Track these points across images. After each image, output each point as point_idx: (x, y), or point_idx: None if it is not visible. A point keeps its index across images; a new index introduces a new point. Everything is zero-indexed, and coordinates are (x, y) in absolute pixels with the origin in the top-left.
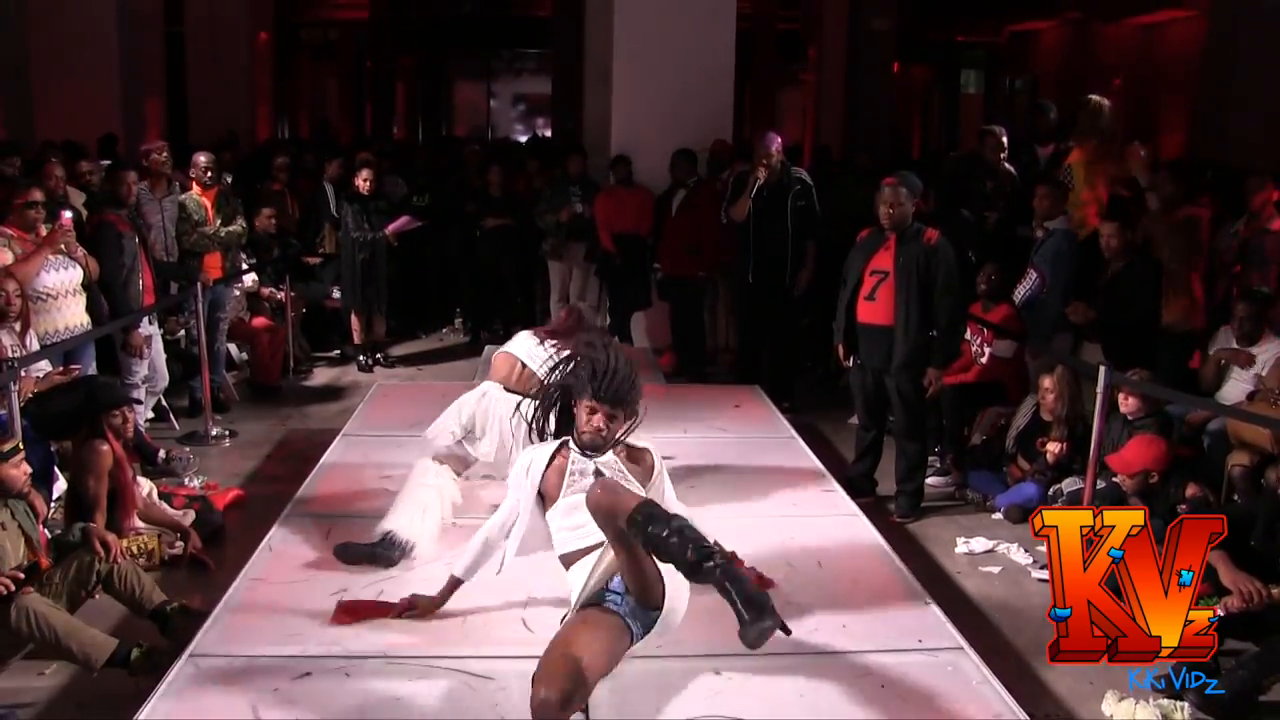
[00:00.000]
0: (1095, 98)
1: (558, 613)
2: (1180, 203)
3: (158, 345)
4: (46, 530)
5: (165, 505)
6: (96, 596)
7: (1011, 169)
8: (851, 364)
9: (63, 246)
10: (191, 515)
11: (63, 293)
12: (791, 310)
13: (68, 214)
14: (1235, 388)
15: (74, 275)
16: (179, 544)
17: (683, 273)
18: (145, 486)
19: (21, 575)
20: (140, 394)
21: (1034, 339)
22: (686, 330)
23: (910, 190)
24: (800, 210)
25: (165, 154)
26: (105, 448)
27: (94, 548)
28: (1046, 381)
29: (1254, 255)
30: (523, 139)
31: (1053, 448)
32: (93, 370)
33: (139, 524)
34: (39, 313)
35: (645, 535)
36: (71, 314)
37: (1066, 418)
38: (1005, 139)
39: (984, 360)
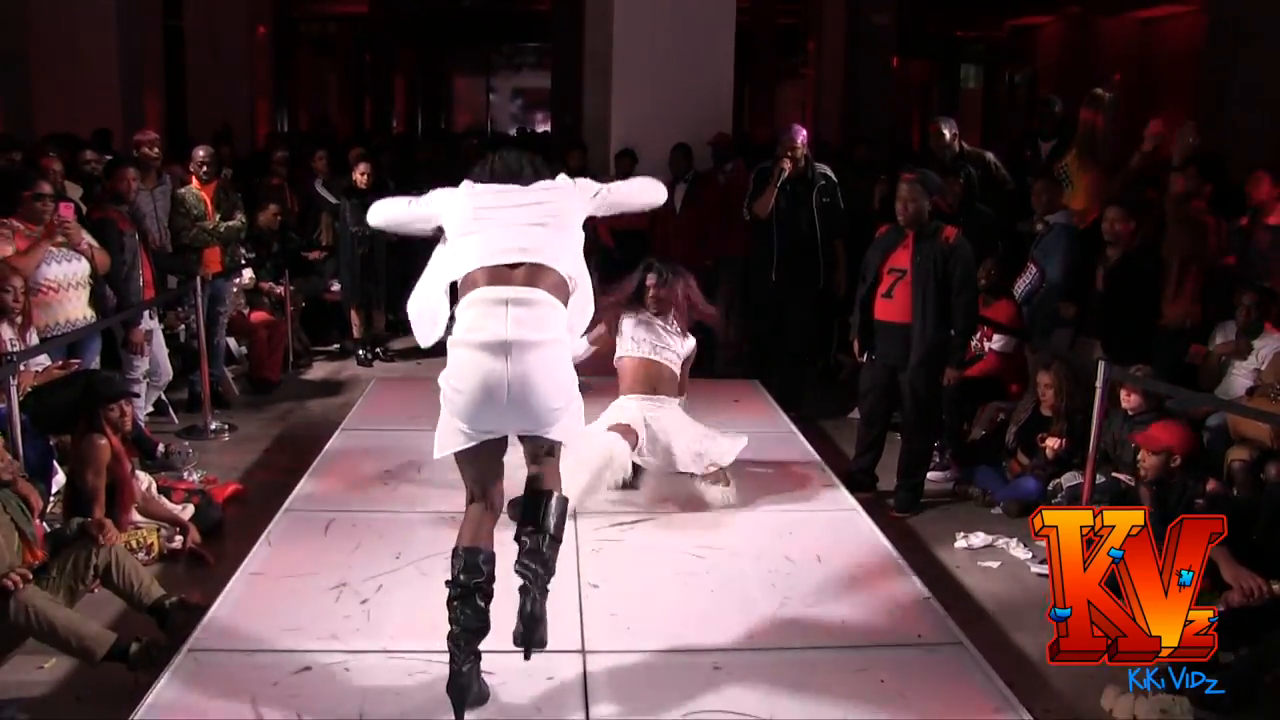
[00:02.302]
0: (1099, 91)
1: (557, 611)
2: (1193, 199)
3: (159, 340)
4: (44, 524)
5: (164, 500)
6: (95, 590)
7: (978, 150)
8: (866, 360)
9: (63, 239)
10: (190, 509)
11: (65, 285)
12: (812, 310)
13: (67, 206)
14: (1235, 383)
15: (78, 268)
16: (178, 538)
17: (690, 265)
18: (144, 481)
19: (30, 575)
20: (141, 389)
21: (1034, 334)
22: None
23: (927, 188)
24: (826, 207)
25: (156, 146)
26: (103, 442)
27: (91, 535)
28: (1044, 377)
29: (1256, 252)
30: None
31: (1052, 443)
32: (96, 364)
33: (138, 518)
34: (40, 305)
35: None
36: (73, 307)
37: (1066, 412)
38: (949, 130)
39: (984, 355)
